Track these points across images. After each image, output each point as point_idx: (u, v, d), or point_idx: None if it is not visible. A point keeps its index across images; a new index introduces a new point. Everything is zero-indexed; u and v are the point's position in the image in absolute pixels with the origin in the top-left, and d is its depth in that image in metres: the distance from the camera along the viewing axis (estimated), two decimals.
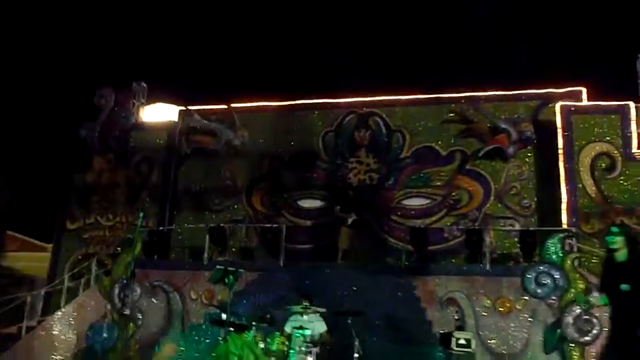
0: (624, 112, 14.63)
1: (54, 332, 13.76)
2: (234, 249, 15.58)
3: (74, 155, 18.41)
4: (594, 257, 13.33)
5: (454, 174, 15.73)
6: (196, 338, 11.55)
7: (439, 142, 16.05)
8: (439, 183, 15.79)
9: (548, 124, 15.03)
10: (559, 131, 14.67)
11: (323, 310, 9.90)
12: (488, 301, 12.26)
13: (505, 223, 15.08)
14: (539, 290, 11.87)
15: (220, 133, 16.80)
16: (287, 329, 9.62)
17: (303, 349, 9.00)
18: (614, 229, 6.22)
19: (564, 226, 13.76)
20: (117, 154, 17.46)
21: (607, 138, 14.53)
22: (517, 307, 12.08)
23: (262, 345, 8.98)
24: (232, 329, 9.10)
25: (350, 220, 14.13)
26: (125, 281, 13.21)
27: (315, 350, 9.08)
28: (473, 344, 10.85)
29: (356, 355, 8.88)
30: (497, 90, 16.10)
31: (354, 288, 12.25)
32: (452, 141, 15.97)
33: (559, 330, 11.49)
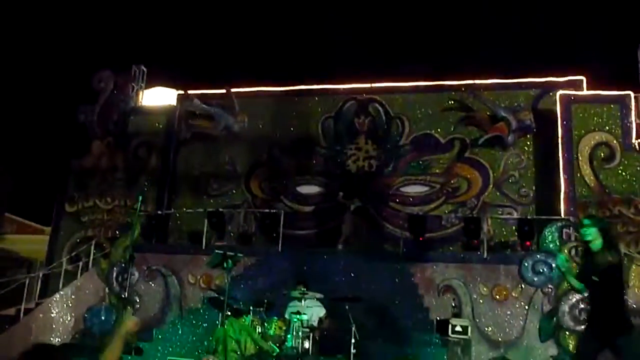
0: (623, 102, 14.64)
1: (52, 315, 13.80)
2: (232, 234, 15.60)
3: (72, 139, 18.38)
4: None
5: (453, 162, 15.76)
6: (194, 322, 11.58)
7: (439, 130, 16.05)
8: (437, 171, 15.81)
9: (548, 113, 15.04)
10: (559, 120, 14.68)
11: (320, 295, 9.94)
12: (485, 289, 12.34)
13: (504, 211, 15.12)
14: (535, 279, 11.96)
15: (220, 118, 16.75)
16: (286, 314, 9.67)
17: (300, 333, 9.06)
18: (586, 221, 6.24)
19: (562, 215, 13.78)
20: (116, 138, 17.42)
21: (607, 128, 14.54)
22: (514, 295, 12.15)
23: (259, 329, 9.02)
24: (229, 313, 9.15)
25: (353, 207, 14.18)
26: (123, 265, 13.26)
27: (312, 335, 9.14)
28: (469, 331, 10.91)
29: (353, 340, 8.93)
30: (497, 79, 16.13)
31: (352, 274, 12.30)
32: (452, 129, 15.97)
33: (555, 319, 11.57)
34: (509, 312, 12.11)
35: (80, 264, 14.83)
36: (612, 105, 14.70)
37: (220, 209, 15.25)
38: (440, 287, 12.49)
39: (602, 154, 14.38)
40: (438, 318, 11.48)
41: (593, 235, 6.07)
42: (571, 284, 6.36)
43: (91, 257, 14.81)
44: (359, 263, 12.65)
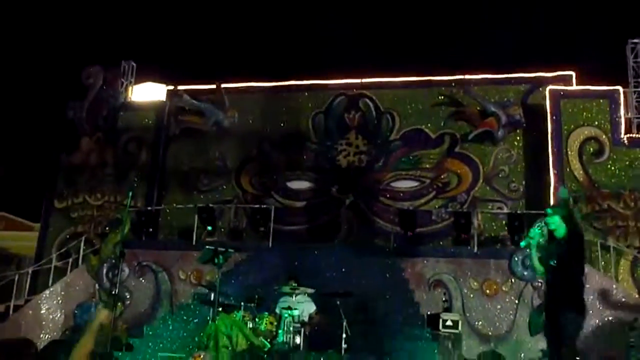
0: (613, 97, 14.71)
1: (42, 311, 13.75)
2: (222, 230, 15.58)
3: (62, 134, 18.26)
4: None
5: (443, 157, 15.79)
6: (185, 318, 11.55)
7: (429, 125, 16.08)
8: (428, 166, 15.84)
9: (537, 108, 15.10)
10: (548, 115, 14.74)
11: (311, 290, 9.95)
12: (475, 283, 12.40)
13: (494, 206, 15.18)
14: (525, 273, 12.00)
15: (210, 113, 16.73)
16: (277, 309, 9.67)
17: (291, 329, 9.06)
18: (549, 211, 6.73)
19: None
20: (106, 134, 17.34)
21: (596, 123, 14.62)
22: (504, 289, 12.22)
23: (250, 325, 9.01)
24: (220, 309, 9.13)
25: (348, 202, 14.21)
26: (113, 261, 13.22)
27: (303, 330, 9.15)
28: (460, 325, 10.95)
29: (344, 335, 8.95)
30: (487, 74, 16.15)
31: (343, 269, 12.31)
32: (442, 124, 16.00)
33: (544, 313, 11.60)
34: (499, 307, 12.18)
35: (70, 260, 14.79)
36: (601, 101, 14.78)
37: (211, 205, 15.23)
38: (430, 282, 12.54)
39: (592, 149, 14.46)
40: (429, 313, 11.52)
41: (556, 224, 6.54)
42: (532, 261, 6.77)
43: (81, 254, 14.77)
44: (349, 258, 12.67)
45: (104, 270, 13.65)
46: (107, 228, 15.57)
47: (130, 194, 10.36)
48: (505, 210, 14.79)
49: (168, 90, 17.77)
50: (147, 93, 18.18)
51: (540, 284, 11.87)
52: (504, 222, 14.32)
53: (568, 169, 14.32)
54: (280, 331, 9.02)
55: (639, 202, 13.64)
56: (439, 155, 15.84)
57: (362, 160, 16.23)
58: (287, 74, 17.70)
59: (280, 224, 14.94)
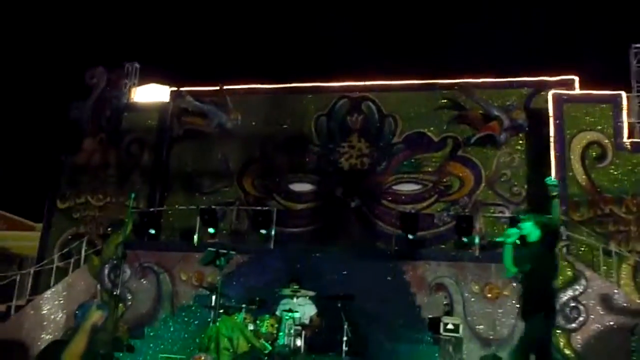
0: (615, 101, 14.68)
1: (43, 312, 13.75)
2: (224, 231, 15.59)
3: (65, 135, 18.29)
4: (583, 245, 13.50)
5: (446, 160, 15.77)
6: (186, 319, 11.56)
7: (431, 128, 16.05)
8: (430, 169, 15.83)
9: (540, 112, 15.08)
10: (551, 119, 14.71)
11: (313, 293, 9.95)
12: (477, 287, 12.38)
13: (496, 210, 15.16)
14: None
15: (213, 115, 16.74)
16: (278, 312, 9.68)
17: (292, 331, 9.07)
18: (522, 217, 7.07)
19: None
20: (109, 134, 17.36)
21: (599, 127, 14.58)
22: (505, 293, 12.20)
23: (251, 327, 9.02)
24: (222, 310, 9.14)
25: (354, 204, 14.21)
26: (115, 262, 13.23)
27: (304, 333, 9.15)
28: (461, 329, 10.95)
29: (345, 339, 8.95)
30: (489, 78, 16.12)
31: (344, 272, 12.30)
32: (444, 127, 15.97)
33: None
34: (500, 310, 12.16)
35: (72, 260, 14.81)
36: (604, 105, 14.75)
37: (213, 206, 15.24)
38: (432, 285, 12.53)
39: (594, 154, 14.43)
40: (430, 316, 11.52)
41: (528, 229, 6.80)
42: (504, 260, 6.86)
43: (83, 254, 14.80)
44: (351, 261, 12.66)
45: (106, 271, 13.66)
46: (109, 229, 15.61)
47: (133, 195, 10.43)
48: (507, 214, 14.76)
49: (171, 91, 17.78)
50: (151, 94, 18.19)
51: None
52: (505, 226, 14.28)
53: (570, 173, 14.29)
54: (281, 334, 9.04)
55: None
56: (441, 159, 15.82)
57: (364, 163, 16.21)
58: (290, 76, 17.75)
59: (282, 226, 14.95)
